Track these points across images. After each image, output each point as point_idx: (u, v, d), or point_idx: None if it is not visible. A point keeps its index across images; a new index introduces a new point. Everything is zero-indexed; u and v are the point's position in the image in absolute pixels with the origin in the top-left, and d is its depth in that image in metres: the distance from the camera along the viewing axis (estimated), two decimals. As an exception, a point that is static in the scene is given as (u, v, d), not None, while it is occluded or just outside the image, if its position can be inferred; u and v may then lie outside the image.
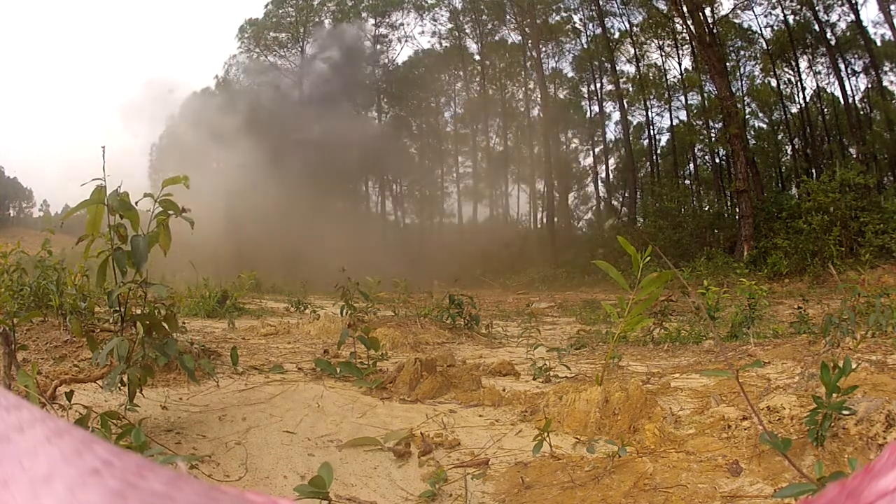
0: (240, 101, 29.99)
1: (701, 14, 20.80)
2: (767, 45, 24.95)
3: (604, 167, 31.40)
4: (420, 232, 33.25)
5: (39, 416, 0.31)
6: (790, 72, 24.98)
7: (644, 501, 2.05)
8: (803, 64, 24.54)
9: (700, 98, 26.17)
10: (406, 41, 35.42)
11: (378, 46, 33.70)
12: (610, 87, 29.30)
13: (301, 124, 29.52)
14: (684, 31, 23.18)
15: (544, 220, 30.13)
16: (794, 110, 25.49)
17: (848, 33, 22.40)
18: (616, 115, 30.72)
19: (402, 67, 33.84)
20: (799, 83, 24.82)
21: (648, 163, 29.69)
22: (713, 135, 25.69)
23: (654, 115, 28.78)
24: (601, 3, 27.79)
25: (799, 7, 23.25)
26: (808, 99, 24.89)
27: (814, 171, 23.07)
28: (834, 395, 2.04)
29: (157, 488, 0.27)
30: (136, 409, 2.59)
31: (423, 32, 43.05)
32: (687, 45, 25.96)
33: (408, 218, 36.63)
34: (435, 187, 35.61)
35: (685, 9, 20.51)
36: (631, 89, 28.45)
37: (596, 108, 30.72)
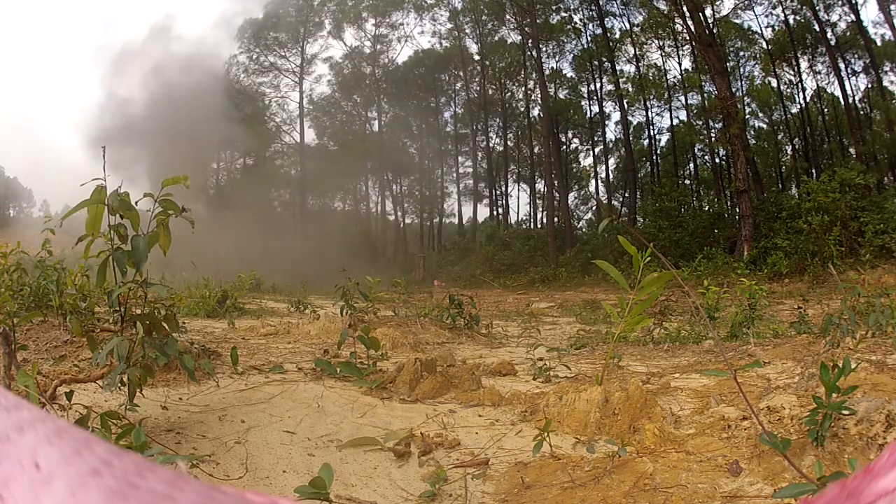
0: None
1: (701, 14, 20.79)
2: (767, 45, 24.96)
3: (604, 167, 31.48)
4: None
5: (39, 416, 0.31)
6: (790, 72, 25.00)
7: (644, 501, 2.05)
8: (803, 64, 24.57)
9: (700, 98, 26.19)
10: (406, 41, 35.43)
11: (378, 46, 33.75)
12: (610, 87, 29.34)
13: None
14: (684, 31, 23.18)
15: (544, 220, 30.16)
16: (794, 110, 25.52)
17: (848, 33, 22.40)
18: (616, 115, 30.79)
19: (403, 67, 33.88)
20: (799, 83, 24.84)
21: (648, 163, 29.72)
22: (713, 135, 25.70)
23: (654, 115, 28.84)
24: (601, 3, 27.81)
25: (799, 7, 23.25)
26: (808, 99, 24.93)
27: (814, 171, 23.08)
28: (834, 395, 2.04)
29: (157, 488, 0.27)
30: (136, 409, 2.59)
31: (422, 32, 43.13)
32: (687, 45, 25.98)
33: (408, 218, 36.72)
34: (434, 187, 35.66)
35: (685, 9, 20.50)
36: (631, 89, 28.47)
37: (596, 108, 30.79)
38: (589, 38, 29.30)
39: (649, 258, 2.90)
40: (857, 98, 22.94)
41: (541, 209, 31.99)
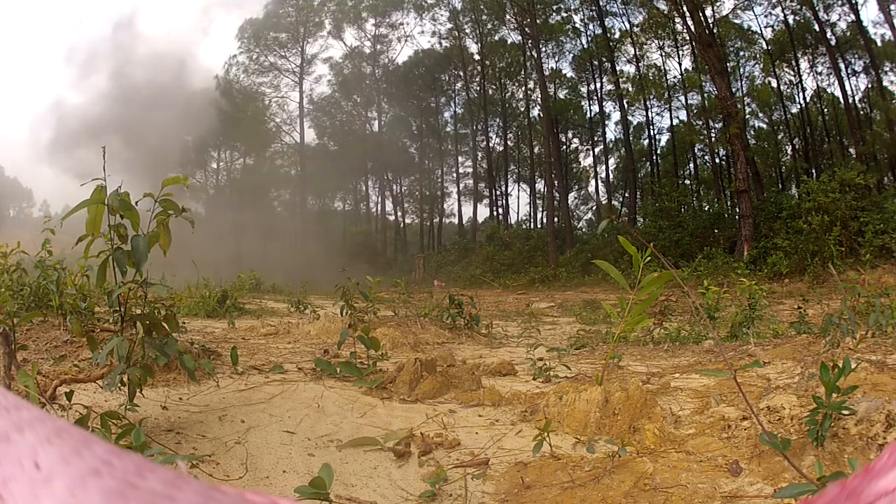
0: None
1: (701, 14, 20.79)
2: (767, 45, 24.96)
3: (604, 167, 31.49)
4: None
5: (39, 416, 0.31)
6: (790, 72, 25.00)
7: (644, 501, 2.05)
8: (803, 64, 24.57)
9: (700, 98, 26.19)
10: (406, 41, 35.44)
11: (378, 46, 33.76)
12: (610, 87, 29.34)
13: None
14: (684, 31, 23.18)
15: (544, 220, 30.18)
16: (794, 110, 25.53)
17: (848, 33, 22.41)
18: (616, 115, 30.81)
19: (403, 67, 33.89)
20: (799, 83, 24.84)
21: (648, 163, 29.72)
22: (713, 135, 25.70)
23: (654, 115, 28.84)
24: (601, 3, 27.81)
25: (799, 7, 23.25)
26: (808, 99, 24.94)
27: (814, 171, 23.08)
28: (834, 395, 2.04)
29: (157, 488, 0.27)
30: (136, 409, 2.59)
31: (422, 32, 43.16)
32: (687, 45, 25.98)
33: (408, 218, 36.75)
34: (434, 187, 35.67)
35: (685, 9, 20.50)
36: (631, 89, 28.47)
37: (596, 108, 30.79)
38: (589, 38, 29.34)
39: (649, 258, 2.90)
40: (857, 98, 22.96)
41: (541, 209, 32.02)
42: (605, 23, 28.24)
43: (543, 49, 28.92)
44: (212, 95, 32.34)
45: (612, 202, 30.65)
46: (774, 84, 25.65)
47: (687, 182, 28.08)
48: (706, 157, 28.21)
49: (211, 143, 34.07)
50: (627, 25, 27.82)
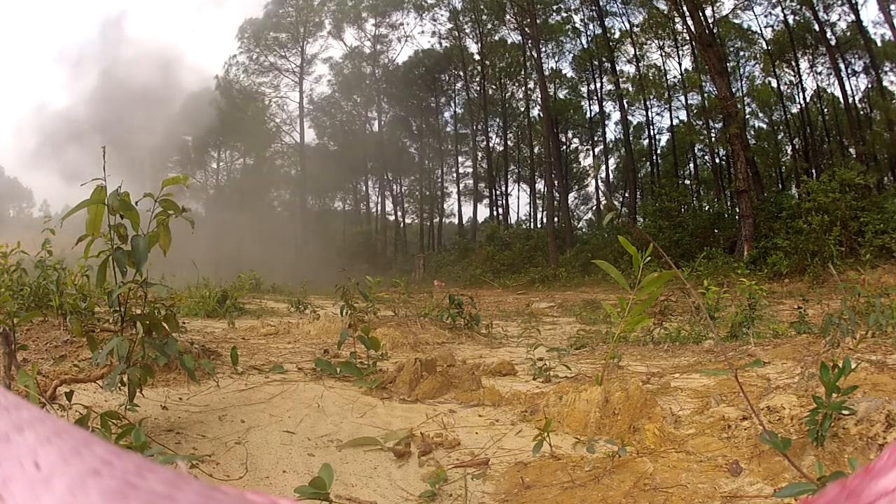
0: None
1: (701, 14, 20.79)
2: (767, 46, 24.96)
3: (604, 167, 31.50)
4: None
5: (39, 416, 0.31)
6: (790, 72, 25.01)
7: (644, 501, 2.05)
8: (803, 64, 24.58)
9: (700, 98, 26.19)
10: (406, 41, 35.45)
11: (378, 46, 33.76)
12: (610, 87, 29.35)
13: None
14: (684, 31, 23.18)
15: (544, 220, 30.18)
16: (794, 110, 25.53)
17: (848, 33, 22.41)
18: (616, 115, 30.82)
19: (403, 67, 33.89)
20: (799, 83, 24.85)
21: (648, 163, 29.73)
22: (713, 135, 25.70)
23: (654, 115, 28.84)
24: (601, 3, 27.81)
25: (799, 7, 23.25)
26: (808, 99, 24.94)
27: (814, 171, 23.08)
28: (834, 395, 2.04)
29: (157, 488, 0.27)
30: (136, 409, 2.59)
31: (423, 32, 43.17)
32: (687, 45, 25.98)
33: (408, 217, 36.76)
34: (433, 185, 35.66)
35: (685, 9, 20.50)
36: (631, 89, 28.47)
37: (596, 108, 30.80)
38: (589, 38, 29.35)
39: (649, 258, 2.90)
40: (857, 98, 22.96)
41: (541, 209, 32.02)
42: (605, 23, 28.27)
43: (543, 49, 28.92)
44: (211, 95, 32.40)
45: (613, 202, 30.65)
46: (774, 84, 25.68)
47: (687, 182, 28.09)
48: (706, 157, 28.23)
49: (211, 143, 34.12)
50: (627, 25, 27.86)
